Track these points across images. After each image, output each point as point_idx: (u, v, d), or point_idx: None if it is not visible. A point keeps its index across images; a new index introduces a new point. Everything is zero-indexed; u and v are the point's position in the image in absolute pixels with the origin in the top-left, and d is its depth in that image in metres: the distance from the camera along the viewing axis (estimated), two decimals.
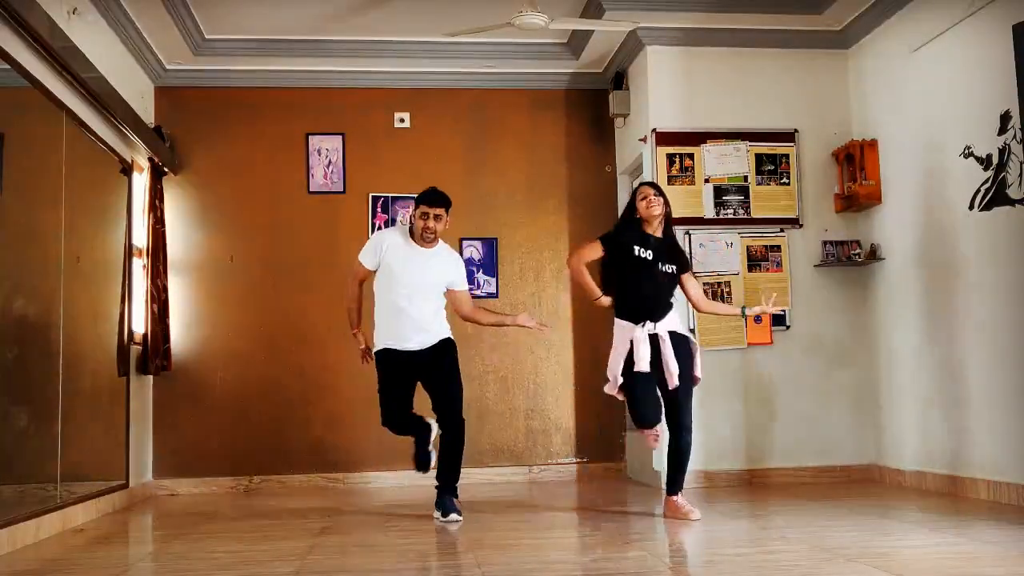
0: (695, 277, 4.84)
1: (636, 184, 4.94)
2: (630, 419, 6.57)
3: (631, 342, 4.52)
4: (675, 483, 4.62)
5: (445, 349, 4.80)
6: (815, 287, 6.09)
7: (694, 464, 5.68)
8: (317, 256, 6.62)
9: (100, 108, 5.26)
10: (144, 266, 6.10)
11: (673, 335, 4.57)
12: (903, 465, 5.68)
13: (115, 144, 5.67)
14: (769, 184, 6.12)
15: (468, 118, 6.87)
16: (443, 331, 4.82)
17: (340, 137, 6.76)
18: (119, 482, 5.65)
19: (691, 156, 6.08)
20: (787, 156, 6.16)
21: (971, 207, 5.03)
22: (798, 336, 6.03)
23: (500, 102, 6.91)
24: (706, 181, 6.07)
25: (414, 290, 4.71)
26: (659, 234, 4.62)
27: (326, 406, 6.48)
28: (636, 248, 4.57)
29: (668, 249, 4.63)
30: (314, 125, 6.76)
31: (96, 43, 5.31)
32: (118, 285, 5.72)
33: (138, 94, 6.20)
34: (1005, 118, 4.76)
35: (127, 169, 5.93)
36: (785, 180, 6.14)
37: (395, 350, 4.73)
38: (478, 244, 6.75)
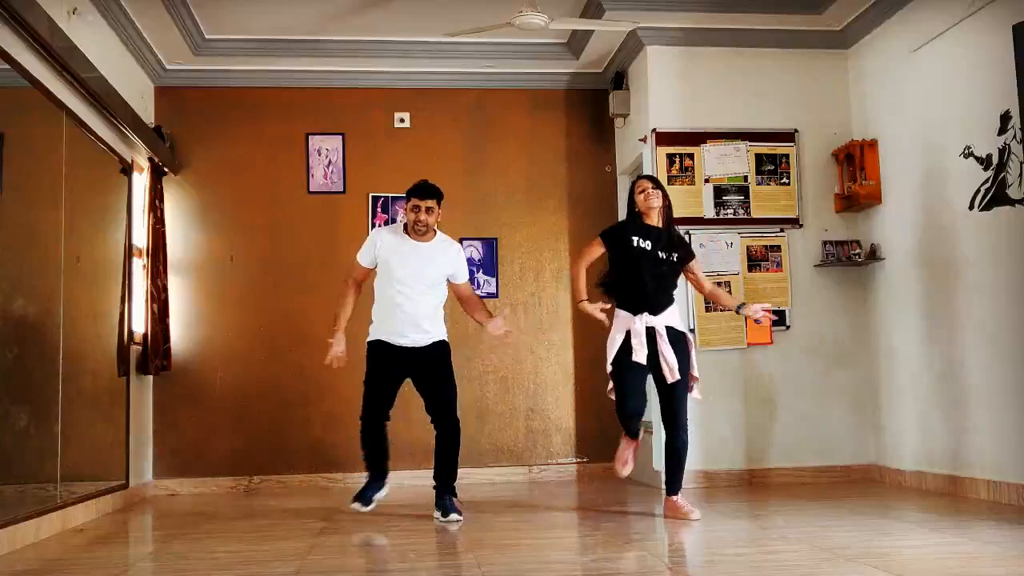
0: (699, 266, 4.84)
1: (634, 178, 4.94)
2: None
3: (627, 333, 4.52)
4: (673, 483, 4.63)
5: (439, 351, 4.79)
6: (815, 287, 6.09)
7: (694, 464, 5.70)
8: (317, 256, 6.62)
9: (100, 108, 5.26)
10: (144, 266, 6.10)
11: (671, 331, 4.57)
12: (903, 465, 5.68)
13: (115, 144, 5.67)
14: (769, 184, 6.13)
15: (468, 118, 6.87)
16: (438, 333, 4.80)
17: (340, 137, 6.76)
18: (119, 482, 5.65)
19: (691, 156, 6.08)
20: (787, 156, 6.16)
21: (971, 207, 5.03)
22: (798, 336, 6.03)
23: (500, 102, 6.91)
24: (706, 181, 6.07)
25: (411, 286, 4.70)
26: (659, 225, 4.63)
27: (326, 406, 6.48)
28: (635, 239, 4.58)
29: (668, 239, 4.62)
30: (314, 125, 6.76)
31: (96, 43, 5.31)
32: (118, 285, 5.72)
33: (138, 94, 6.20)
34: (1005, 118, 4.76)
35: (127, 169, 5.93)
36: (785, 180, 6.14)
37: (388, 343, 4.73)
38: (478, 244, 6.75)
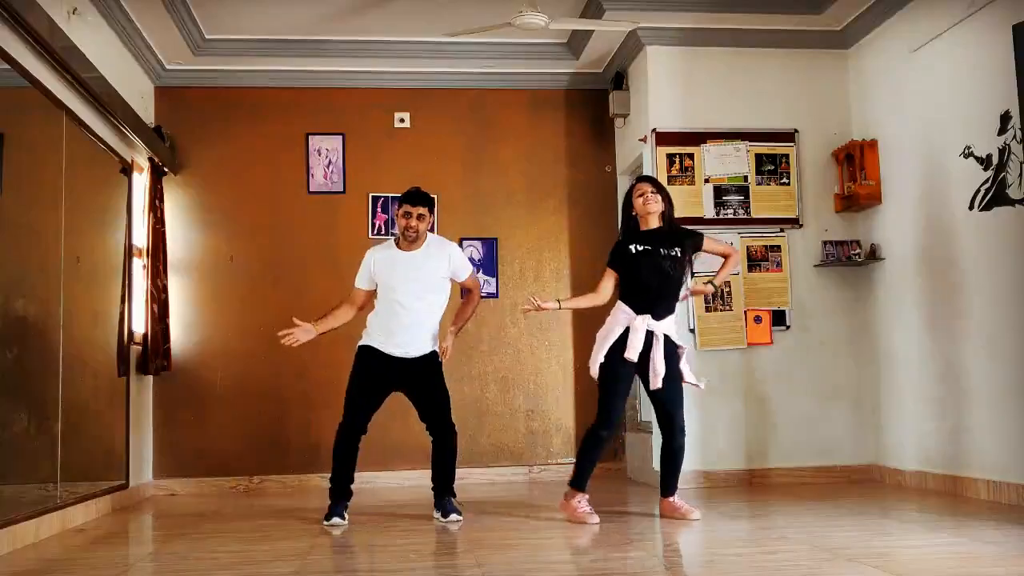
0: (715, 241, 4.81)
1: (633, 180, 4.92)
2: (628, 423, 6.60)
3: (626, 330, 4.49)
4: (670, 485, 4.62)
5: (429, 362, 4.75)
6: (815, 287, 6.09)
7: (694, 464, 5.70)
8: (317, 256, 6.62)
9: (100, 108, 5.27)
10: (144, 266, 6.10)
11: (667, 340, 4.55)
12: (903, 465, 5.68)
13: (115, 144, 5.67)
14: (769, 184, 6.12)
15: (468, 118, 6.87)
16: (430, 344, 4.76)
17: (340, 137, 6.76)
18: (119, 482, 5.65)
19: (691, 156, 6.08)
20: (787, 156, 6.15)
21: (971, 207, 5.03)
22: (798, 336, 6.03)
23: (500, 102, 6.91)
24: (706, 181, 6.07)
25: (407, 298, 4.68)
26: (657, 225, 4.60)
27: (326, 406, 6.45)
28: (632, 247, 4.56)
29: (668, 235, 4.58)
30: (314, 125, 6.76)
31: (96, 43, 5.31)
32: (118, 285, 5.72)
33: (138, 94, 6.20)
34: (1005, 118, 4.76)
35: (127, 169, 5.93)
36: (785, 180, 6.14)
37: (379, 351, 4.71)
38: (478, 244, 6.75)
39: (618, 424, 4.65)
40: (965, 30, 5.07)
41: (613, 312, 4.60)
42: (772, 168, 6.14)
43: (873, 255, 5.94)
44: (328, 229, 6.66)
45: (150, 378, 6.33)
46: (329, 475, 4.75)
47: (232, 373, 6.51)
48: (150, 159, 6.14)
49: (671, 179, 5.99)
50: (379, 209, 6.71)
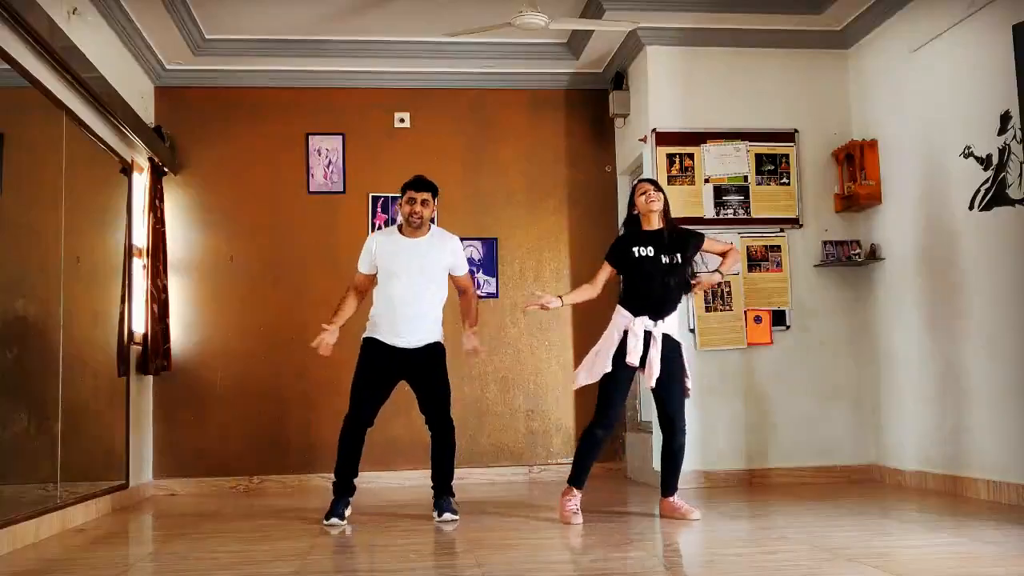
0: (715, 240, 4.81)
1: (635, 181, 4.94)
2: (628, 423, 6.60)
3: (624, 333, 4.50)
4: (670, 485, 4.62)
5: (435, 352, 4.77)
6: (815, 287, 6.09)
7: (694, 464, 5.70)
8: (317, 256, 6.62)
9: (100, 108, 5.27)
10: (144, 266, 6.10)
11: (667, 339, 4.55)
12: (903, 465, 5.68)
13: (115, 144, 5.67)
14: (769, 184, 6.12)
15: (468, 118, 6.87)
16: (435, 334, 4.78)
17: (340, 137, 6.76)
18: (119, 482, 5.65)
19: (691, 156, 6.08)
20: (787, 156, 6.16)
21: (971, 207, 5.03)
22: (798, 336, 6.03)
23: (500, 102, 6.91)
24: (706, 181, 6.07)
25: (409, 284, 4.69)
26: (657, 226, 4.62)
27: (326, 406, 6.46)
28: (636, 249, 4.57)
29: (669, 238, 4.60)
30: (314, 125, 6.76)
31: (96, 43, 5.31)
32: (118, 285, 5.72)
33: (138, 94, 6.20)
34: (1005, 118, 4.76)
35: (127, 169, 5.93)
36: (785, 180, 6.14)
37: (383, 343, 4.72)
38: (478, 244, 6.75)
39: (615, 424, 4.65)
40: (965, 30, 5.07)
41: (612, 319, 4.61)
42: (772, 168, 6.14)
43: (873, 255, 5.94)
44: (328, 229, 6.66)
45: (150, 378, 6.33)
46: (331, 474, 4.75)
47: (232, 373, 6.51)
48: (150, 159, 6.14)
49: (671, 179, 5.99)
50: (379, 209, 6.71)
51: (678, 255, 4.57)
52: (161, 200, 6.29)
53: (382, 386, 4.74)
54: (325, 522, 4.57)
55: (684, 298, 4.74)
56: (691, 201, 6.00)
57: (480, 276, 6.70)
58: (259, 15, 6.08)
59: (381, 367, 4.71)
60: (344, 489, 4.70)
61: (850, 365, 6.05)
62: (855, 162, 5.95)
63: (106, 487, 5.40)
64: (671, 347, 4.55)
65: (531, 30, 5.49)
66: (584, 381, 4.62)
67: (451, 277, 4.89)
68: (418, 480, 5.94)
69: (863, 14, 5.91)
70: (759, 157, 6.13)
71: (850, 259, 6.02)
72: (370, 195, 6.71)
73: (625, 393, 4.61)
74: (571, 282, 6.75)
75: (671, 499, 4.59)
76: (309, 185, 6.73)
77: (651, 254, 4.55)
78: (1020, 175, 4.67)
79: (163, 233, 6.29)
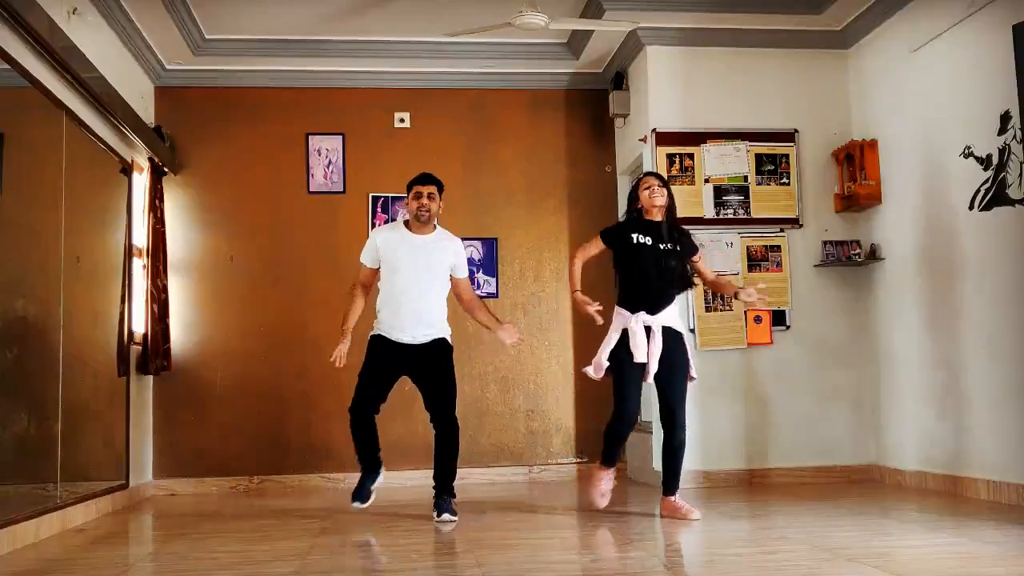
0: (702, 259, 4.82)
1: (641, 174, 4.94)
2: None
3: (624, 332, 4.52)
4: (671, 483, 4.62)
5: (441, 349, 4.79)
6: (815, 287, 6.09)
7: (694, 464, 5.70)
8: (317, 256, 6.62)
9: (100, 108, 5.26)
10: (144, 266, 6.10)
11: (668, 330, 4.56)
12: (903, 465, 5.68)
13: (115, 144, 5.67)
14: (769, 184, 6.13)
15: (468, 118, 6.87)
16: (441, 330, 4.81)
17: (340, 137, 6.76)
18: (119, 482, 5.65)
19: (691, 156, 6.08)
20: (787, 156, 6.16)
21: (971, 207, 5.03)
22: (798, 336, 6.02)
23: (500, 102, 6.91)
24: (706, 181, 6.07)
25: (414, 280, 4.71)
26: (659, 219, 4.62)
27: (326, 406, 6.47)
28: (635, 236, 4.58)
29: (669, 231, 4.60)
30: (314, 125, 6.76)
31: (96, 43, 5.31)
32: (118, 285, 5.72)
33: (138, 94, 6.20)
34: (1005, 118, 4.76)
35: (127, 169, 5.93)
36: (785, 180, 6.14)
37: (389, 339, 4.73)
38: (478, 244, 6.75)
39: (634, 417, 4.64)
40: (965, 30, 5.07)
41: (613, 319, 4.61)
42: (772, 168, 6.14)
43: (873, 255, 5.94)
44: (328, 229, 6.66)
45: (150, 378, 6.33)
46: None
47: (232, 373, 6.51)
48: (150, 159, 6.14)
49: (671, 179, 5.98)
50: (379, 209, 6.71)
51: (676, 245, 4.58)
52: (161, 200, 6.29)
53: (385, 382, 4.77)
54: (352, 504, 4.74)
55: (682, 295, 4.75)
56: (691, 201, 6.00)
57: (480, 276, 6.70)
58: (259, 15, 6.08)
59: (386, 362, 4.74)
60: (369, 467, 4.80)
61: (850, 365, 6.05)
62: (855, 162, 5.95)
63: (106, 487, 5.40)
64: (672, 339, 4.56)
65: (531, 30, 5.49)
66: (592, 375, 4.68)
67: (452, 280, 4.91)
68: (418, 480, 5.94)
69: (863, 14, 5.91)
70: (759, 157, 6.13)
71: (850, 259, 6.02)
72: (370, 195, 6.71)
73: (637, 387, 4.59)
74: (569, 273, 6.73)
75: (672, 498, 4.59)
76: (309, 185, 6.72)
77: (649, 243, 4.55)
78: (1020, 175, 4.67)
79: (163, 233, 6.29)
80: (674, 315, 4.63)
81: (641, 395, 4.63)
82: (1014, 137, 4.70)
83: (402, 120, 6.81)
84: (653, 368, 4.50)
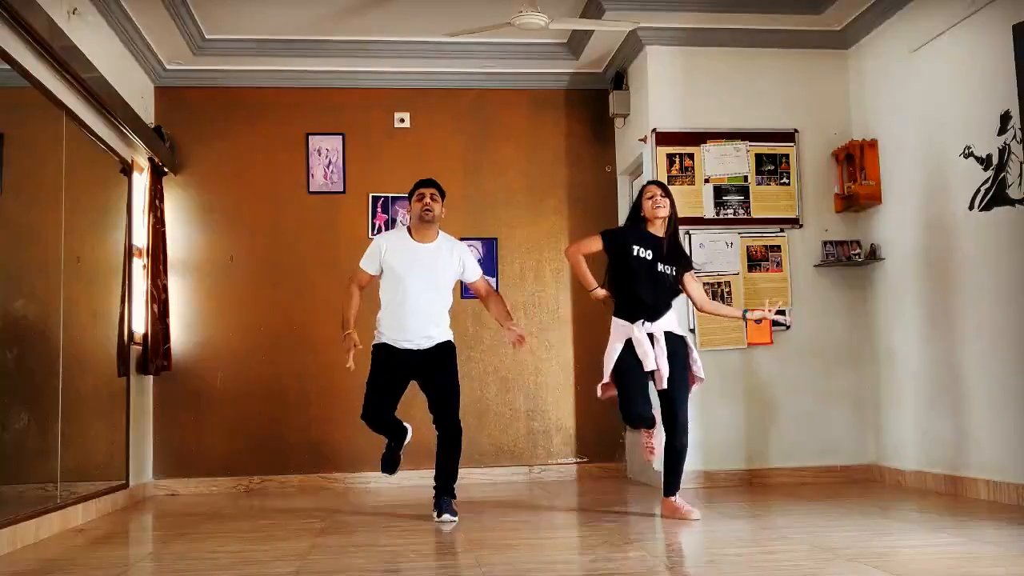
0: (696, 278, 4.83)
1: (645, 183, 4.93)
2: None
3: (627, 341, 4.52)
4: (672, 484, 4.62)
5: (446, 353, 4.79)
6: (815, 287, 6.09)
7: (694, 464, 5.70)
8: (317, 256, 6.62)
9: (100, 108, 5.26)
10: (144, 266, 6.09)
11: (669, 335, 4.56)
12: (903, 465, 5.68)
13: (115, 144, 5.67)
14: (769, 184, 6.13)
15: (468, 118, 6.87)
16: (445, 334, 4.81)
17: (340, 137, 6.76)
18: (119, 482, 5.65)
19: (691, 156, 6.08)
20: (787, 156, 6.16)
21: (971, 207, 5.03)
22: (798, 336, 6.02)
23: (500, 102, 6.91)
24: (706, 181, 6.07)
25: (418, 288, 4.70)
26: (661, 234, 4.61)
27: (326, 406, 6.47)
28: (636, 248, 4.56)
29: (669, 249, 4.60)
30: (314, 125, 6.76)
31: (96, 43, 5.31)
32: (118, 285, 5.72)
33: (138, 94, 6.20)
34: (1005, 118, 4.76)
35: (127, 169, 5.93)
36: (785, 180, 6.14)
37: (394, 347, 4.73)
38: (478, 244, 6.75)
39: (644, 415, 4.60)
40: (965, 30, 5.07)
41: (611, 332, 4.61)
42: (772, 168, 6.14)
43: (873, 255, 5.94)
44: (328, 229, 6.66)
45: (150, 378, 6.33)
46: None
47: (232, 373, 6.51)
48: (150, 159, 6.14)
49: (671, 179, 5.99)
50: (379, 209, 6.71)
51: (673, 268, 4.59)
52: (161, 200, 6.29)
53: (393, 391, 4.77)
54: (383, 472, 4.92)
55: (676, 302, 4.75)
56: (691, 201, 6.00)
57: None
58: (259, 15, 6.08)
59: (392, 371, 4.74)
60: (396, 437, 4.86)
61: (850, 365, 6.05)
62: (855, 162, 5.95)
63: (106, 487, 5.40)
64: (674, 343, 4.56)
65: (531, 30, 5.49)
66: (601, 394, 4.67)
67: (469, 285, 4.96)
68: (418, 480, 5.94)
69: (863, 14, 5.91)
70: (759, 157, 6.13)
71: (850, 259, 6.02)
72: (370, 195, 6.71)
73: (643, 385, 4.58)
74: (571, 282, 6.75)
75: (672, 498, 4.59)
76: (309, 185, 6.72)
77: (648, 258, 4.55)
78: (1020, 175, 4.67)
79: (163, 233, 6.29)
80: (673, 320, 4.62)
81: (646, 393, 4.60)
82: (1014, 137, 4.70)
83: (402, 120, 6.81)
84: (666, 372, 4.49)
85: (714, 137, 6.10)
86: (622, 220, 6.06)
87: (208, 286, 6.57)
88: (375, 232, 6.62)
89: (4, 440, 4.27)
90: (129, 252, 5.89)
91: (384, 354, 4.75)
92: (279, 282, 6.62)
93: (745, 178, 6.11)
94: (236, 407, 6.47)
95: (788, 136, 6.17)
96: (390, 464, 4.89)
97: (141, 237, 6.10)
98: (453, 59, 6.66)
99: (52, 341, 4.71)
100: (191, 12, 6.00)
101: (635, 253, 4.55)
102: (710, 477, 5.83)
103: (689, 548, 3.91)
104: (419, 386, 4.81)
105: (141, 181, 6.14)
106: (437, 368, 4.75)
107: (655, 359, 4.48)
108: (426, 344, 4.73)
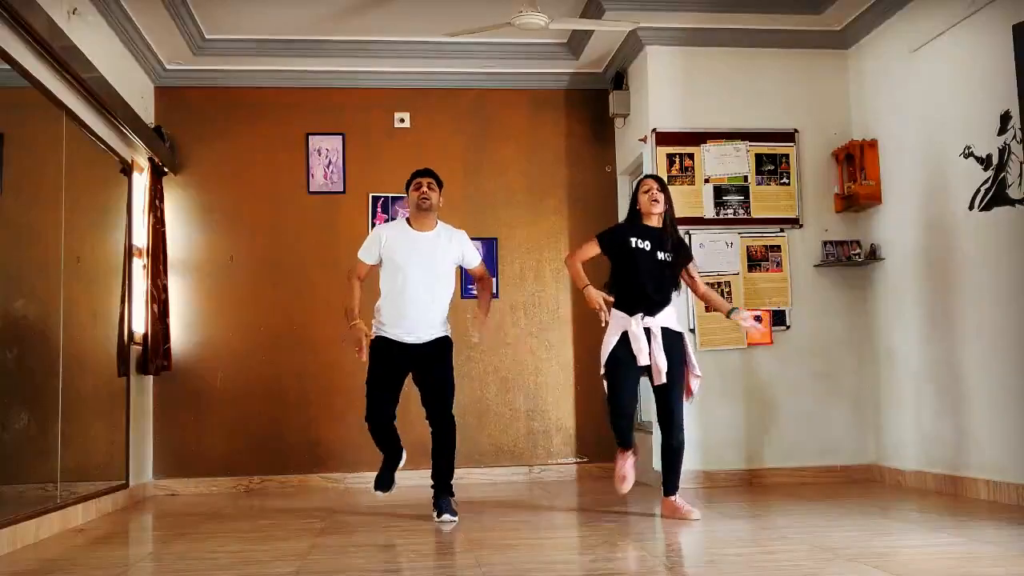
0: (697, 272, 4.82)
1: (641, 176, 4.93)
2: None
3: (623, 334, 4.51)
4: (671, 483, 4.62)
5: (443, 348, 4.79)
6: (815, 287, 6.09)
7: (694, 464, 5.70)
8: (317, 256, 6.62)
9: (100, 108, 5.26)
10: (144, 266, 6.10)
11: (667, 331, 4.56)
12: (903, 465, 5.68)
13: (115, 144, 5.67)
14: (769, 184, 6.13)
15: (468, 118, 6.87)
16: (443, 328, 4.81)
17: (340, 137, 6.76)
18: (119, 482, 5.65)
19: (691, 156, 6.08)
20: (787, 156, 6.16)
21: (971, 207, 5.03)
22: (798, 336, 6.02)
23: (500, 102, 6.91)
24: (706, 181, 6.07)
25: (418, 279, 4.70)
26: (658, 224, 4.62)
27: (326, 406, 6.48)
28: (634, 240, 4.57)
29: (668, 240, 4.60)
30: (314, 125, 6.76)
31: (96, 43, 5.31)
32: (118, 285, 5.72)
33: (138, 94, 6.20)
34: (1005, 118, 4.76)
35: (127, 169, 5.93)
36: (785, 180, 6.14)
37: (393, 340, 4.73)
38: (478, 244, 6.69)
39: (630, 409, 4.63)
40: (965, 30, 5.07)
41: (609, 323, 4.61)
42: (772, 168, 6.14)
43: (873, 255, 5.95)
44: (328, 229, 6.66)
45: (150, 378, 6.33)
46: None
47: (232, 373, 6.51)
48: (150, 159, 6.14)
49: (671, 179, 5.99)
50: (379, 209, 6.71)
51: (671, 255, 4.58)
52: (161, 200, 6.29)
53: (395, 383, 4.77)
54: (375, 491, 4.95)
55: (677, 295, 4.74)
56: (691, 201, 6.00)
57: None
58: (259, 15, 6.08)
59: (392, 365, 4.74)
60: (391, 456, 4.89)
61: (850, 365, 6.05)
62: (855, 162, 5.95)
63: (106, 487, 5.40)
64: (671, 339, 4.56)
65: (531, 30, 5.49)
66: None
67: (468, 271, 4.98)
68: (417, 480, 5.92)
69: (863, 14, 5.91)
70: (759, 157, 6.13)
71: (850, 259, 6.02)
72: (370, 195, 6.71)
73: (632, 382, 4.59)
74: (571, 283, 6.74)
75: (672, 498, 4.59)
76: (309, 185, 6.72)
77: (647, 248, 4.55)
78: (1020, 175, 4.67)
79: (163, 233, 6.29)
80: (672, 316, 4.62)
81: (634, 390, 4.61)
82: (1014, 137, 4.70)
83: (402, 120, 6.81)
84: (663, 368, 4.49)
85: (714, 137, 6.10)
86: (622, 219, 6.05)
87: (208, 286, 6.57)
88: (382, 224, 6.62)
89: (4, 440, 4.27)
90: (129, 252, 5.89)
91: (384, 348, 4.75)
92: (279, 282, 6.62)
93: (745, 178, 6.11)
94: (236, 407, 6.47)
95: (788, 136, 6.17)
96: (384, 483, 4.93)
97: (141, 237, 6.10)
98: (453, 59, 6.66)
99: (52, 341, 4.71)
100: (191, 12, 6.00)
101: (634, 245, 4.55)
102: (710, 477, 5.83)
103: (689, 548, 3.91)
104: (413, 380, 4.81)
105: (141, 181, 6.14)
106: (434, 362, 4.75)
107: (650, 355, 4.48)
108: (425, 337, 4.73)
